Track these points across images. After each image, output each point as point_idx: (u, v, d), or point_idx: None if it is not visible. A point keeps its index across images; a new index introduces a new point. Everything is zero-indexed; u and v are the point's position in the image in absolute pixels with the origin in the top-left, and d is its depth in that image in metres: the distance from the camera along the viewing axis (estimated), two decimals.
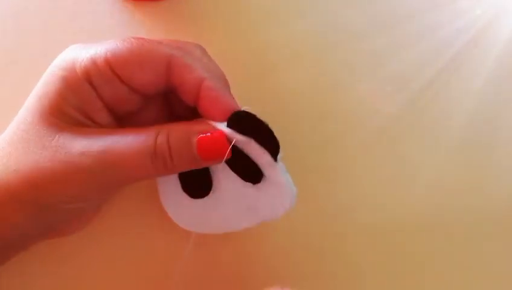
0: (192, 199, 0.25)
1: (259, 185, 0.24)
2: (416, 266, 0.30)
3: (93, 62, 0.22)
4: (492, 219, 0.30)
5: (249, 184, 0.24)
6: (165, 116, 0.26)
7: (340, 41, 0.31)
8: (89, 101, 0.23)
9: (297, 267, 0.29)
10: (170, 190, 0.25)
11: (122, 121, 0.25)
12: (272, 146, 0.23)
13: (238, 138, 0.22)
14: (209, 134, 0.22)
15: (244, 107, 0.23)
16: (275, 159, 0.23)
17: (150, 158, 0.22)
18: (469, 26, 0.32)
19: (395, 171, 0.30)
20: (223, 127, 0.22)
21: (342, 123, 0.30)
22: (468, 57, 0.32)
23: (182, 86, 0.23)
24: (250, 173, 0.24)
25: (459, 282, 0.30)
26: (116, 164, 0.21)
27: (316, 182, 0.30)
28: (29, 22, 0.30)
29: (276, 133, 0.30)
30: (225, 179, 0.24)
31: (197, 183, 0.25)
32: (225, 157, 0.22)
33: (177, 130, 0.22)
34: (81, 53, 0.23)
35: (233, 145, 0.22)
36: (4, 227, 0.22)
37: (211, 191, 0.25)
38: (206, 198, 0.25)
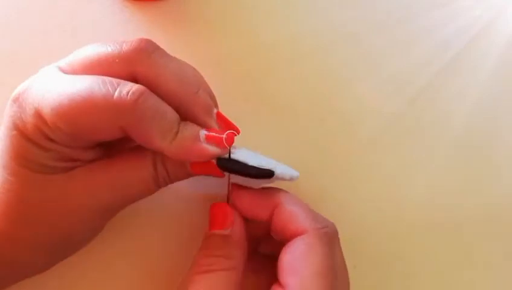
0: None
1: None
2: (416, 265, 0.30)
3: (45, 124, 0.21)
4: (492, 218, 0.30)
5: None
6: None
7: (340, 41, 0.31)
8: (63, 152, 0.22)
9: None
10: None
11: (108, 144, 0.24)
12: (266, 177, 0.24)
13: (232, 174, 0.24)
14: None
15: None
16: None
17: (154, 184, 0.24)
18: (469, 26, 0.32)
19: (395, 171, 0.30)
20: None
21: (342, 123, 0.30)
22: (468, 57, 0.32)
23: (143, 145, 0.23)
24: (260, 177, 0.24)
25: (459, 282, 0.30)
26: (125, 198, 0.24)
27: (316, 182, 0.30)
28: (29, 22, 0.30)
29: (275, 133, 0.30)
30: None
31: None
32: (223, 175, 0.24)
33: (172, 160, 0.23)
34: (31, 110, 0.21)
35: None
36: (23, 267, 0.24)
37: None
38: None
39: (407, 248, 0.30)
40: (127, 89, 0.21)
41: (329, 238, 0.23)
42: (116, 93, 0.20)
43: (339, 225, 0.29)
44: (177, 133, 0.22)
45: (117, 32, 0.30)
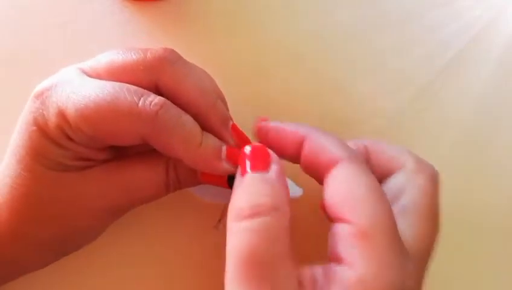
0: None
1: None
2: None
3: (68, 124, 0.21)
4: (493, 218, 0.30)
5: None
6: None
7: (340, 41, 0.31)
8: (81, 151, 0.22)
9: None
10: None
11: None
12: None
13: None
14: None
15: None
16: None
17: (165, 187, 0.24)
18: (469, 26, 0.32)
19: None
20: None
21: (342, 123, 0.30)
22: (468, 57, 0.32)
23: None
24: None
25: (459, 281, 0.30)
26: (135, 200, 0.24)
27: (316, 182, 0.30)
28: (29, 21, 0.30)
29: None
30: None
31: None
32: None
33: (184, 165, 0.23)
34: (54, 109, 0.22)
35: None
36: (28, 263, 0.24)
37: None
38: None
39: None
40: (149, 100, 0.21)
41: (362, 160, 0.22)
42: (140, 103, 0.21)
43: None
44: (200, 144, 0.22)
45: (117, 32, 0.30)
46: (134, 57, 0.23)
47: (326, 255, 0.21)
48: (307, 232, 0.29)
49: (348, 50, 0.31)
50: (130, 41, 0.30)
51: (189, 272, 0.28)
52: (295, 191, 0.25)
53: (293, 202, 0.22)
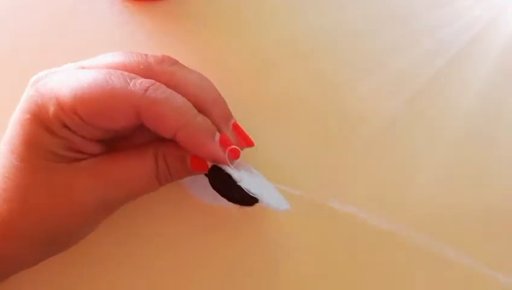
0: None
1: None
2: (416, 265, 0.30)
3: (63, 110, 0.22)
4: (493, 218, 0.30)
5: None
6: None
7: (340, 41, 0.31)
8: (74, 141, 0.23)
9: (297, 267, 0.29)
10: None
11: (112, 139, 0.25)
12: (247, 205, 0.24)
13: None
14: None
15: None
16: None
17: (156, 179, 0.24)
18: (469, 26, 0.32)
19: (395, 171, 0.30)
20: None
21: (342, 123, 0.30)
22: (468, 57, 0.32)
23: (156, 132, 0.23)
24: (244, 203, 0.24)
25: (460, 281, 0.30)
26: (128, 193, 0.24)
27: (316, 182, 0.30)
28: (29, 21, 0.30)
29: (275, 134, 0.30)
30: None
31: None
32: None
33: (173, 155, 0.24)
34: (49, 96, 0.22)
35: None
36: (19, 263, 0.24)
37: None
38: None
39: (408, 248, 0.30)
40: (139, 82, 0.22)
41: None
42: (131, 84, 0.22)
43: (340, 225, 0.29)
44: (195, 116, 0.23)
45: (117, 32, 0.30)
46: (135, 57, 0.24)
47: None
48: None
49: (348, 50, 0.31)
50: (130, 41, 0.30)
51: (187, 271, 0.28)
52: (280, 207, 0.24)
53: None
